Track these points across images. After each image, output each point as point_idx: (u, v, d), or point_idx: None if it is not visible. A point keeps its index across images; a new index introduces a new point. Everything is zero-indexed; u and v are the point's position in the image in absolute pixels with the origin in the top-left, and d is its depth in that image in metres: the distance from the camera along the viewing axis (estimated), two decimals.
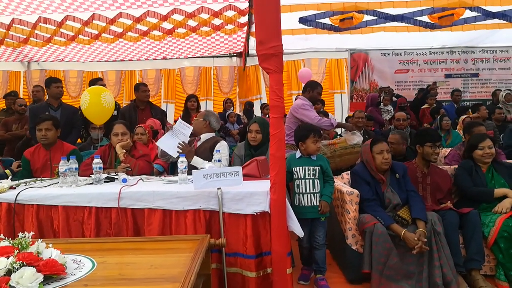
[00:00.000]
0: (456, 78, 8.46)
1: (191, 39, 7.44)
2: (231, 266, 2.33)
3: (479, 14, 6.58)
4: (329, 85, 8.52)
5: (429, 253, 2.69)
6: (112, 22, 6.50)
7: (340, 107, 8.51)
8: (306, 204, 2.85)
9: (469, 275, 2.80)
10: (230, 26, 6.99)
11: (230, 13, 6.56)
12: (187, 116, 5.64)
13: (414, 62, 8.44)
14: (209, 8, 6.43)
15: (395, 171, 3.03)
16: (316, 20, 6.74)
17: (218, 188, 2.29)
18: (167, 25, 6.77)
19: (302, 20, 6.75)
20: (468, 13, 6.65)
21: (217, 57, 8.39)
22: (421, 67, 8.45)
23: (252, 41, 7.94)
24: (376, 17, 6.70)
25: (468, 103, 8.26)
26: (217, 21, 6.78)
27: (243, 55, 8.09)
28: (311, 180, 2.89)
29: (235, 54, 8.29)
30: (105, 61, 8.20)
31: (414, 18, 6.76)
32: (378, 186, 2.98)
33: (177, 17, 6.51)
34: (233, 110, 7.22)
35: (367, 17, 6.74)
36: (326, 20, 6.80)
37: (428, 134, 3.26)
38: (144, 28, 6.84)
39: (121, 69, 8.46)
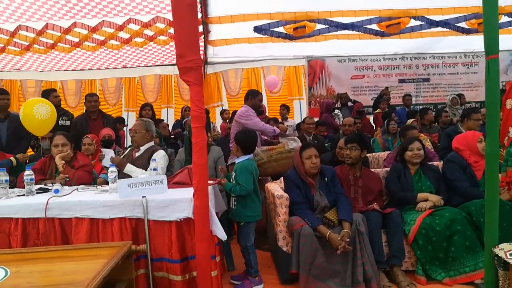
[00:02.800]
0: (409, 83, 8.82)
1: (149, 47, 7.51)
2: (158, 271, 2.44)
3: (423, 23, 6.93)
4: (288, 91, 8.72)
5: (353, 252, 2.87)
6: (67, 31, 6.52)
7: (299, 113, 8.71)
8: (232, 207, 3.07)
9: (391, 271, 2.99)
10: None
11: None
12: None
13: (369, 68, 8.74)
14: (164, 17, 6.52)
15: (324, 174, 3.21)
16: (271, 29, 6.93)
17: (143, 197, 2.40)
18: (123, 35, 6.82)
19: (257, 29, 6.93)
20: (413, 22, 6.99)
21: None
22: (376, 72, 8.77)
23: (210, 49, 8.08)
24: (327, 26, 6.94)
25: (420, 107, 8.63)
26: (172, 31, 6.87)
27: (204, 62, 8.19)
28: None
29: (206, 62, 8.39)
30: (64, 70, 8.16)
31: (364, 26, 7.04)
32: (308, 190, 3.14)
33: (133, 26, 6.57)
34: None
35: (319, 26, 6.99)
36: (280, 29, 7.00)
37: (346, 140, 3.49)
38: (101, 38, 6.87)
39: (81, 79, 8.42)
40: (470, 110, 4.91)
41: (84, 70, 8.24)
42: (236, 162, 3.13)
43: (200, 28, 6.64)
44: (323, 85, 8.68)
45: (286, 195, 3.06)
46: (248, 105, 4.21)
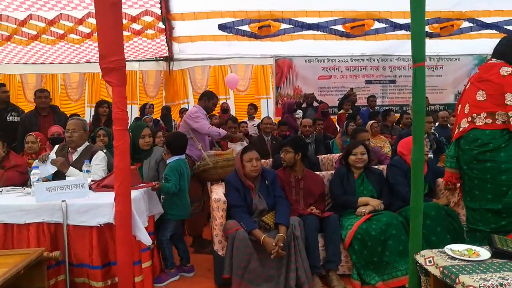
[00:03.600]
0: (376, 84, 8.90)
1: None
2: (79, 277, 2.36)
3: (387, 25, 6.98)
4: (255, 90, 8.69)
5: (288, 257, 2.85)
6: (23, 23, 6.32)
7: (266, 112, 8.67)
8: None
9: (327, 276, 2.98)
10: (150, 31, 6.97)
11: (148, 18, 6.55)
12: (96, 122, 5.55)
13: (336, 69, 8.78)
14: (125, 13, 6.38)
15: (265, 177, 3.18)
16: (235, 27, 6.86)
17: (63, 201, 2.31)
18: (84, 29, 6.66)
19: (222, 27, 6.86)
20: (377, 24, 7.04)
21: (143, 61, 8.32)
22: (343, 73, 8.82)
23: (176, 46, 7.96)
24: (292, 26, 6.92)
25: (386, 108, 8.72)
26: (136, 26, 6.75)
27: (169, 59, 8.08)
28: None
29: (161, 58, 8.26)
30: (23, 63, 7.92)
31: (329, 27, 7.05)
32: (247, 193, 3.11)
33: (93, 21, 6.40)
34: (152, 116, 7.18)
35: (284, 25, 6.96)
36: (245, 28, 6.94)
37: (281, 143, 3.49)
38: (60, 31, 6.68)
39: (41, 73, 8.18)
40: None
41: (45, 64, 8.02)
42: (167, 163, 3.16)
43: (162, 25, 6.53)
44: (291, 84, 8.68)
45: (223, 198, 3.01)
46: (200, 106, 4.13)
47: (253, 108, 7.32)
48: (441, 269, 2.08)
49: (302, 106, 7.96)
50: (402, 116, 7.21)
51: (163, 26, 6.48)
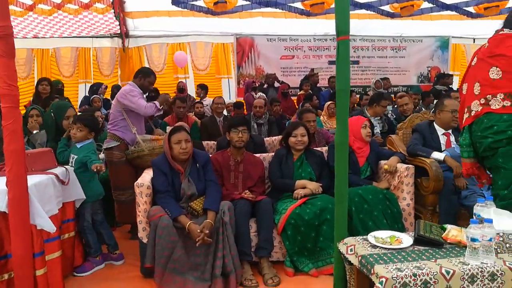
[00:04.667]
0: None
1: (61, 17, 6.90)
2: None
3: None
4: (216, 70, 8.42)
5: (215, 244, 2.69)
6: None
7: (228, 92, 8.45)
8: None
9: (259, 263, 2.85)
10: (100, 5, 6.56)
11: None
12: (37, 101, 5.18)
13: (299, 49, 8.59)
14: None
15: (196, 160, 2.98)
16: (189, 2, 6.54)
17: None
18: (24, 0, 6.19)
19: (175, 2, 6.55)
20: None
21: (97, 37, 7.88)
22: (306, 53, 8.64)
23: (130, 22, 7.57)
24: (250, 2, 6.65)
25: (350, 90, 8.61)
26: None
27: (123, 35, 7.67)
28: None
29: (116, 35, 7.84)
30: None
31: (288, 4, 6.82)
32: (176, 177, 2.90)
33: None
34: (103, 96, 6.83)
35: (241, 2, 6.68)
36: (201, 3, 6.63)
37: (231, 121, 3.28)
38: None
39: None
40: (379, 95, 4.84)
41: None
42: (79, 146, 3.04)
43: None
44: (252, 64, 8.45)
45: (146, 183, 2.81)
46: (135, 84, 3.82)
47: (201, 89, 7.02)
48: (359, 258, 1.95)
49: (264, 86, 7.77)
50: (362, 98, 7.12)
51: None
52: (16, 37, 7.38)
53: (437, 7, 7.14)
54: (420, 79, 9.07)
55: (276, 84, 7.78)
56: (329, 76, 8.09)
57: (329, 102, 6.02)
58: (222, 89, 8.49)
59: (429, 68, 9.04)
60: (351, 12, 6.75)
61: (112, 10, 6.68)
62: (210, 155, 3.30)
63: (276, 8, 6.88)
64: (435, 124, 3.45)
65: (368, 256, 1.92)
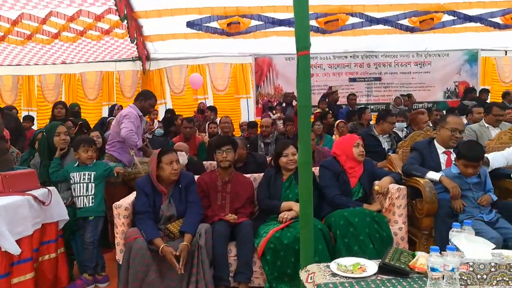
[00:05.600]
0: (360, 82, 8.58)
1: (84, 43, 7.25)
2: None
3: (363, 20, 6.68)
4: (234, 90, 8.47)
5: (190, 268, 2.62)
6: None
7: (246, 112, 8.47)
8: (80, 206, 3.08)
9: None
10: (120, 31, 6.83)
11: (112, 17, 6.40)
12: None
13: (318, 67, 8.49)
14: (88, 11, 6.25)
15: (179, 181, 2.95)
16: (203, 24, 6.67)
17: None
18: (49, 29, 6.55)
19: (190, 24, 6.69)
20: (352, 19, 6.74)
21: (119, 61, 8.19)
22: (325, 71, 8.52)
23: (150, 45, 7.81)
24: (263, 22, 6.69)
25: (372, 107, 8.41)
26: (102, 25, 6.62)
27: (143, 59, 7.92)
28: (85, 184, 3.09)
29: (137, 58, 8.11)
30: None
31: None
32: (158, 198, 2.88)
33: (56, 20, 6.30)
34: None
35: (254, 22, 6.73)
36: (214, 24, 6.74)
37: (216, 141, 3.24)
38: (27, 32, 6.60)
39: (17, 74, 8.12)
40: (387, 112, 4.65)
41: (20, 65, 7.96)
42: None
43: (125, 23, 6.35)
44: (271, 83, 8.43)
45: (124, 204, 2.80)
46: (136, 106, 3.89)
47: (209, 111, 7.05)
48: (315, 287, 1.82)
49: (282, 105, 7.73)
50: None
51: (126, 24, 6.27)
52: (46, 64, 7.88)
53: (459, 19, 6.85)
54: (447, 94, 8.68)
55: (295, 103, 7.70)
56: (348, 94, 7.91)
57: (338, 121, 5.88)
58: (241, 109, 8.52)
59: (457, 83, 8.65)
60: (365, 28, 6.59)
61: (132, 35, 6.92)
62: (198, 176, 3.27)
63: (290, 27, 6.84)
64: (435, 142, 3.24)
65: (323, 285, 1.78)
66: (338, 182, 3.14)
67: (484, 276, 1.70)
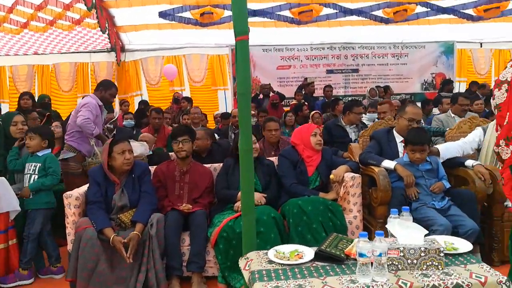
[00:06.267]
0: (338, 74, 8.58)
1: (57, 33, 7.09)
2: None
3: (337, 11, 6.65)
4: (211, 81, 8.41)
5: (141, 258, 2.60)
6: None
7: (224, 104, 8.42)
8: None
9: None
10: (91, 20, 6.69)
11: (82, 6, 6.25)
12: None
13: (296, 58, 8.47)
14: (56, 0, 6.10)
15: (133, 171, 2.91)
16: (176, 14, 6.57)
17: None
18: (17, 18, 6.39)
19: (162, 15, 6.57)
20: (327, 10, 6.71)
21: (94, 52, 8.06)
22: (303, 63, 8.50)
23: (126, 36, 7.69)
24: None
25: (349, 99, 8.41)
26: (72, 15, 6.47)
27: (118, 50, 7.79)
28: (29, 175, 3.10)
29: (112, 49, 7.98)
30: None
31: (277, 13, 6.74)
32: (110, 188, 2.84)
33: (23, 9, 6.13)
34: None
35: (228, 12, 6.65)
36: (187, 14, 6.64)
37: (173, 132, 3.21)
38: None
39: None
40: (353, 102, 4.65)
41: None
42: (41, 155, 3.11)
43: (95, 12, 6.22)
44: None
45: (75, 194, 2.76)
46: (96, 96, 3.80)
47: (186, 101, 6.99)
48: (250, 274, 1.81)
49: (259, 97, 7.70)
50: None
51: (96, 14, 6.15)
52: (18, 54, 7.71)
53: (432, 11, 6.86)
54: (424, 86, 8.74)
55: (271, 95, 7.68)
56: (324, 86, 7.91)
57: (313, 112, 5.88)
58: (218, 100, 8.46)
59: (434, 75, 8.71)
60: (342, 19, 6.53)
61: (103, 25, 6.80)
62: (155, 166, 3.24)
63: (264, 18, 6.80)
64: (394, 131, 3.25)
65: (256, 272, 1.77)
66: (295, 171, 3.14)
67: (415, 261, 1.71)
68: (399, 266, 1.71)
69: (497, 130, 1.93)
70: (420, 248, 1.70)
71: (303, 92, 7.62)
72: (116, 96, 7.98)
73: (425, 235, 1.79)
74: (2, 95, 7.97)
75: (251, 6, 6.50)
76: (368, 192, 3.05)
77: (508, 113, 1.83)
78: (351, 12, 6.70)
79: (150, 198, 2.85)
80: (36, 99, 6.31)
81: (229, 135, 5.22)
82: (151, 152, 3.94)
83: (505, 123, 1.83)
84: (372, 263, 1.63)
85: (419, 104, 7.46)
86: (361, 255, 1.61)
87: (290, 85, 8.40)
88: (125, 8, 6.30)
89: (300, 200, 2.84)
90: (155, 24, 6.96)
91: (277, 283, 1.65)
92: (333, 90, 7.87)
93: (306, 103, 6.98)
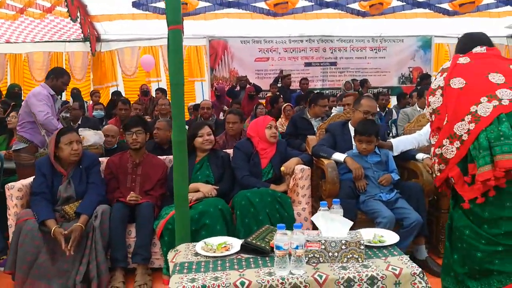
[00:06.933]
0: (316, 67, 8.56)
1: (27, 22, 6.95)
2: None
3: (313, 3, 6.61)
4: (189, 72, 8.32)
5: (83, 250, 2.57)
6: None
7: (201, 95, 8.36)
8: None
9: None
10: (62, 9, 6.56)
11: None
12: None
13: (274, 51, 8.42)
14: None
15: (80, 162, 2.86)
16: (150, 4, 6.47)
17: None
18: None
19: (135, 4, 6.45)
20: (303, 3, 6.66)
21: (69, 41, 7.92)
22: (281, 55, 8.46)
23: (101, 26, 7.57)
24: (211, 4, 6.54)
25: (327, 92, 8.43)
26: (43, 2, 6.34)
27: (92, 40, 7.67)
28: None
29: (87, 39, 7.85)
30: None
31: (252, 4, 6.67)
32: (57, 179, 2.79)
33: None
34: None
35: (203, 3, 6.57)
36: (161, 4, 6.54)
37: (126, 123, 3.17)
38: None
39: None
40: (318, 95, 4.64)
41: None
42: None
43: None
44: (226, 66, 8.33)
45: (18, 185, 2.72)
46: (47, 85, 3.70)
47: (160, 92, 6.92)
48: (173, 266, 1.79)
49: (235, 89, 7.65)
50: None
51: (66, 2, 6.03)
52: None
53: (408, 5, 6.85)
54: (401, 80, 8.77)
55: (248, 87, 7.63)
56: (300, 78, 7.89)
57: (285, 105, 5.86)
58: (195, 92, 8.40)
59: (411, 69, 8.74)
60: (319, 11, 6.50)
61: (79, 14, 6.68)
62: (108, 158, 3.20)
63: (239, 9, 6.73)
64: (349, 124, 3.24)
65: (178, 264, 1.75)
66: (249, 163, 3.12)
67: (336, 254, 1.70)
68: (321, 259, 1.71)
69: (433, 136, 1.93)
70: (341, 241, 1.70)
71: (280, 84, 7.59)
72: (91, 87, 8.05)
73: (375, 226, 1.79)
74: None
75: None
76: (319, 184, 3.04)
77: (447, 114, 1.84)
78: (327, 4, 6.65)
79: (97, 189, 2.81)
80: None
81: None
82: (116, 146, 3.89)
83: (445, 123, 1.84)
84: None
85: (394, 97, 7.59)
86: (278, 247, 1.60)
87: (268, 78, 8.35)
88: None
89: (249, 192, 2.82)
90: (130, 14, 6.86)
91: (195, 275, 1.64)
92: (310, 83, 7.87)
93: (281, 95, 6.95)
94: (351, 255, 1.70)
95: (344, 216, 2.75)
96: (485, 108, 1.75)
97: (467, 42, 2.12)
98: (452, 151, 1.79)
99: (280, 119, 5.75)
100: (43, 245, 2.54)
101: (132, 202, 2.82)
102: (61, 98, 4.05)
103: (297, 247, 1.60)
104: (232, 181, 3.13)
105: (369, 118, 3.00)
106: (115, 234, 2.68)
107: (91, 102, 6.85)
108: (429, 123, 3.17)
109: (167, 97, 7.08)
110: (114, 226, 2.69)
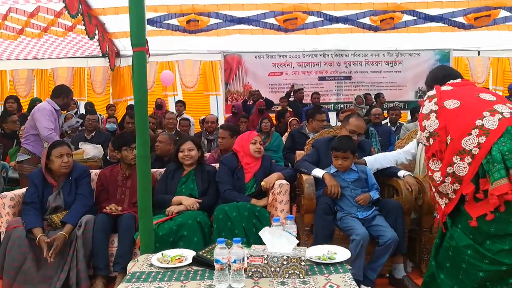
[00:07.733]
0: (330, 81, 8.56)
1: (52, 39, 7.37)
2: None
3: (322, 18, 6.68)
4: (204, 87, 8.54)
5: (66, 257, 2.70)
6: None
7: (216, 109, 8.52)
8: None
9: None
10: (82, 27, 6.92)
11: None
12: (4, 118, 5.53)
13: (287, 65, 8.50)
14: (47, 8, 6.35)
15: (71, 174, 3.02)
16: (163, 22, 6.73)
17: None
18: (12, 25, 6.68)
19: (149, 22, 6.73)
20: (312, 18, 6.74)
21: (91, 57, 8.32)
22: (295, 69, 8.52)
23: (121, 42, 7.91)
24: (221, 20, 6.73)
25: (341, 106, 8.42)
26: (64, 21, 6.72)
27: (112, 55, 8.01)
28: None
29: (106, 55, 8.21)
30: None
31: (262, 21, 6.81)
32: (48, 190, 2.96)
33: (17, 16, 6.41)
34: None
35: (214, 20, 6.77)
36: (174, 21, 6.80)
37: (122, 138, 3.28)
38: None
39: None
40: (315, 110, 4.67)
41: None
42: None
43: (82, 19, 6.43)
44: (240, 81, 8.47)
45: (10, 195, 2.90)
46: (56, 102, 3.91)
47: (181, 104, 7.14)
48: (126, 276, 1.87)
49: (248, 103, 7.77)
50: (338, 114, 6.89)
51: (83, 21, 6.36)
52: (18, 59, 8.04)
53: (420, 19, 6.79)
54: (418, 94, 8.61)
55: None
56: (311, 92, 7.92)
57: (291, 119, 5.91)
58: (210, 106, 8.58)
59: None
60: (329, 26, 6.54)
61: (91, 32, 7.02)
62: (100, 170, 3.35)
63: (250, 25, 6.88)
64: None
65: (130, 274, 1.84)
66: (233, 178, 3.19)
67: (278, 269, 1.74)
68: (263, 273, 1.75)
69: (433, 161, 1.87)
70: (283, 256, 1.73)
71: (292, 98, 7.65)
72: (111, 100, 8.39)
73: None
74: (3, 97, 8.30)
75: (236, 14, 6.62)
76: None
77: (449, 133, 1.82)
78: (336, 20, 6.70)
79: (84, 200, 2.95)
80: None
81: (202, 140, 5.30)
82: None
83: (449, 142, 1.81)
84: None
85: (408, 112, 7.48)
86: (216, 261, 1.66)
87: (282, 92, 8.41)
88: (111, 15, 6.49)
89: (228, 206, 2.89)
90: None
91: (140, 284, 1.71)
92: (324, 97, 7.88)
93: (291, 109, 7.01)
94: (292, 271, 1.73)
95: (321, 232, 2.80)
96: (491, 121, 1.74)
97: (439, 72, 2.24)
98: (465, 167, 1.74)
99: (286, 134, 5.80)
100: (29, 252, 2.69)
101: (114, 213, 2.94)
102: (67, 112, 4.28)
103: (235, 261, 1.65)
104: (216, 195, 3.20)
105: (347, 135, 3.01)
106: (97, 243, 2.80)
107: (106, 115, 7.13)
108: (412, 142, 3.16)
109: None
110: (97, 236, 2.81)
